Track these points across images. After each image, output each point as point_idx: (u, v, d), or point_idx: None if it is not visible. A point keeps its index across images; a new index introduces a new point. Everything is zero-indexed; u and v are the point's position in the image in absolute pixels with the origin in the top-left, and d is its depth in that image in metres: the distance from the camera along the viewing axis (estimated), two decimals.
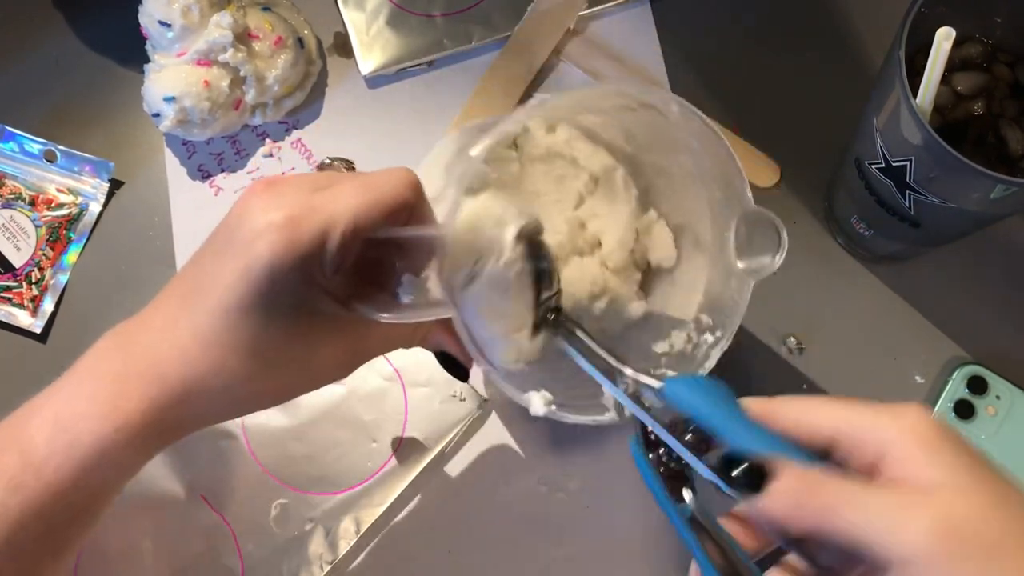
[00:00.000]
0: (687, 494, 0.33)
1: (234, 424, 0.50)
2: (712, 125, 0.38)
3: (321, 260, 0.32)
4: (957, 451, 0.28)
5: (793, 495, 0.29)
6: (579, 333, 0.38)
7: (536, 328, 0.39)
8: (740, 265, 0.39)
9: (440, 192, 0.39)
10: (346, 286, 0.35)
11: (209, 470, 0.49)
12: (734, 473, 0.30)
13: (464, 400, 0.50)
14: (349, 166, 0.54)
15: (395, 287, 0.35)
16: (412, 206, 0.34)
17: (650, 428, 0.34)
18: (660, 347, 0.43)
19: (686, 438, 0.32)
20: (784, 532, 0.29)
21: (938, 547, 0.26)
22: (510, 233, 0.36)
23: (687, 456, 0.32)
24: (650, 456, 0.34)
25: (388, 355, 0.51)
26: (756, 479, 0.29)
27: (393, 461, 0.50)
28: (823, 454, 0.30)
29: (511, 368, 0.41)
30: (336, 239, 0.31)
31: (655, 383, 0.34)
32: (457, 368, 0.39)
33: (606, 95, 0.42)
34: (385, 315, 0.34)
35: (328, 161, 0.54)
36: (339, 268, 0.33)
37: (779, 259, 0.38)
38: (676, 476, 0.33)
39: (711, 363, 0.40)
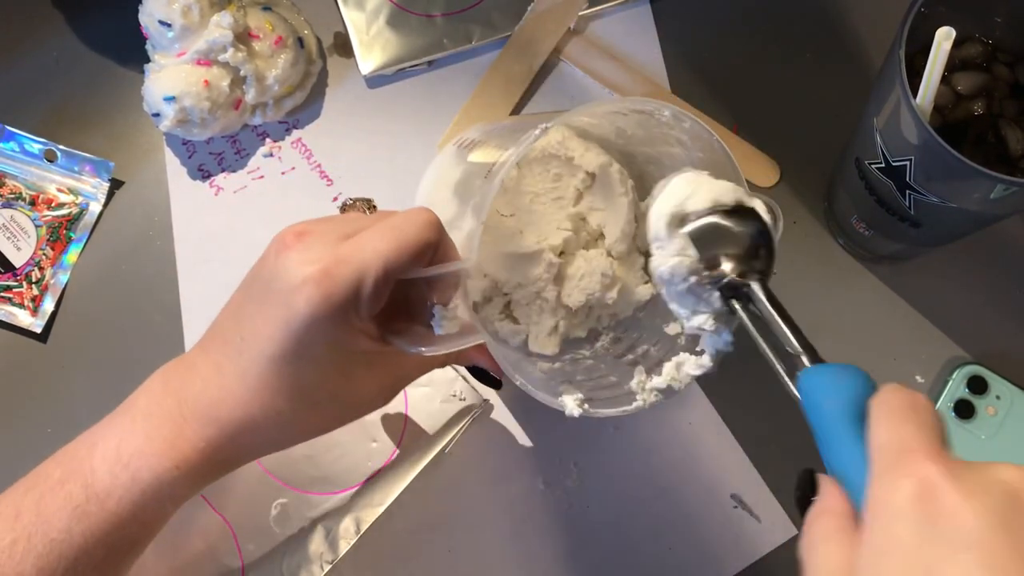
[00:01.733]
0: None
1: None
2: (706, 125, 0.39)
3: (356, 308, 0.33)
4: None
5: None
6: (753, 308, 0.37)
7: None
8: None
9: (454, 216, 0.40)
10: (380, 322, 0.36)
11: None
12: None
13: (464, 400, 0.50)
14: (370, 206, 0.55)
15: (428, 319, 0.37)
16: (436, 244, 0.35)
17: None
18: (672, 328, 0.43)
19: None
20: None
21: None
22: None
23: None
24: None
25: None
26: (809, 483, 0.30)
27: (393, 461, 0.50)
28: None
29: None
30: (369, 287, 0.33)
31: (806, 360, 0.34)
32: (490, 379, 0.42)
33: (605, 109, 0.43)
34: (424, 348, 0.36)
35: (351, 201, 0.55)
36: (374, 313, 0.34)
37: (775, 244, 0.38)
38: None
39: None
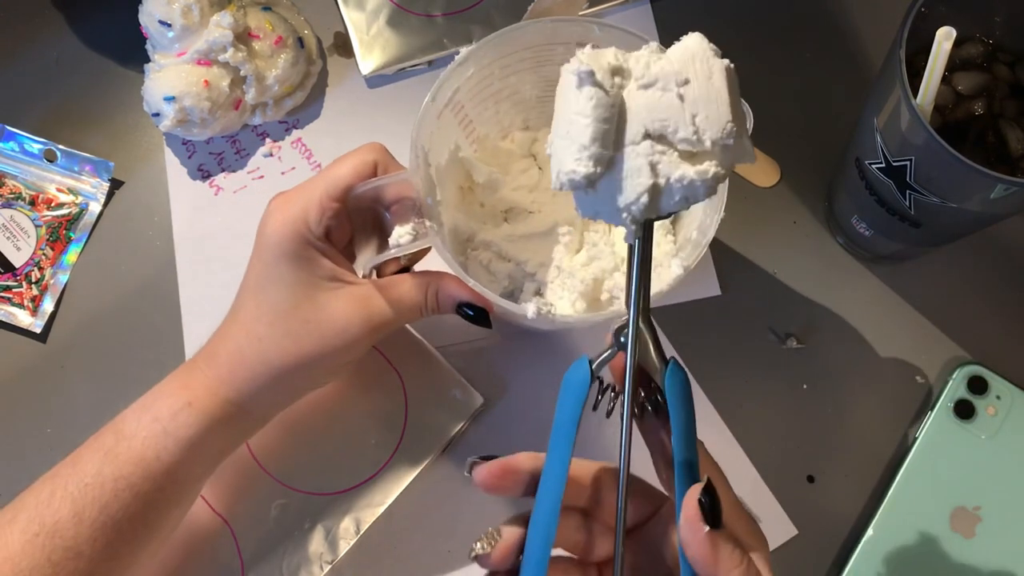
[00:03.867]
0: None
1: None
2: (631, 29, 0.41)
3: (308, 223, 0.39)
4: None
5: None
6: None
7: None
8: None
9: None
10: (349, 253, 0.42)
11: None
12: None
13: (464, 400, 0.50)
14: None
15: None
16: (379, 164, 0.41)
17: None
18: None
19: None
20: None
21: None
22: None
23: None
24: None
25: (388, 354, 0.51)
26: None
27: (393, 461, 0.50)
28: None
29: None
30: (315, 203, 0.39)
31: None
32: (481, 317, 0.42)
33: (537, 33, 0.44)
34: (370, 257, 0.41)
35: None
36: (326, 226, 0.39)
37: (748, 126, 0.37)
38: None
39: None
